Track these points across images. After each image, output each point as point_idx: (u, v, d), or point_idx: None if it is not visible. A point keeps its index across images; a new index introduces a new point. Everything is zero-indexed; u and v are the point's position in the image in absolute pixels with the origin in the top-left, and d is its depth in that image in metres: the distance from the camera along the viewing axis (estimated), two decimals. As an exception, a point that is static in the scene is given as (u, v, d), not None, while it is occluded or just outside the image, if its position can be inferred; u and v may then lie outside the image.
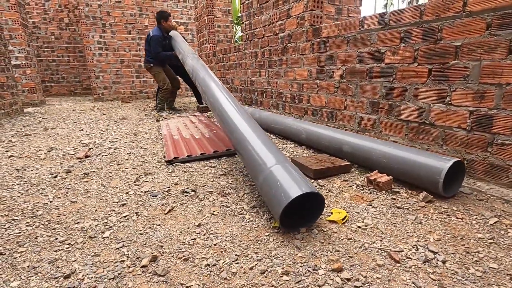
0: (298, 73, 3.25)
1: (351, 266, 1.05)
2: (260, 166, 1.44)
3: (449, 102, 1.80)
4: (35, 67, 6.49)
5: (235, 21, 10.88)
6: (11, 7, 5.86)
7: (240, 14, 10.91)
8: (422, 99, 1.96)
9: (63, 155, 2.55)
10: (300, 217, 1.34)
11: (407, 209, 1.46)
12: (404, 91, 2.08)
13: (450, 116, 1.81)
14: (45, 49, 8.64)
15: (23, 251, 1.18)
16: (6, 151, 2.70)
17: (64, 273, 1.04)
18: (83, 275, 1.03)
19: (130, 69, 7.64)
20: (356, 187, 1.76)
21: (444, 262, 1.06)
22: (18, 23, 5.95)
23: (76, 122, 4.29)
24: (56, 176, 2.03)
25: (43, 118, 4.71)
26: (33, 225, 1.39)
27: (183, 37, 4.53)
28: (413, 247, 1.15)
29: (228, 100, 2.16)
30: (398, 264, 1.06)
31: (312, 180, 1.85)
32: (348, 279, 0.98)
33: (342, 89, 2.64)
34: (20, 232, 1.32)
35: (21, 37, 6.03)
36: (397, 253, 1.11)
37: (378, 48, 2.24)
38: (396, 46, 2.09)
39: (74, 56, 9.01)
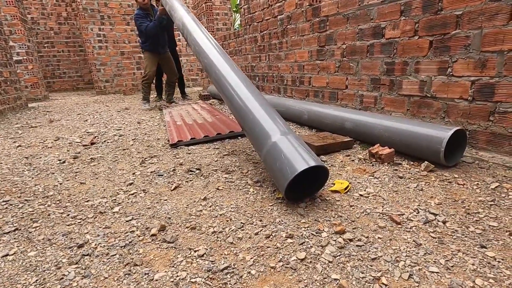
0: (298, 55, 3.23)
1: (353, 228, 1.08)
2: (264, 137, 1.43)
3: (451, 73, 1.79)
4: (36, 62, 6.52)
5: (234, 9, 10.74)
6: (9, 2, 5.85)
7: (238, 2, 10.75)
8: (424, 72, 1.95)
9: (69, 143, 2.60)
10: (303, 187, 1.37)
11: (409, 178, 1.48)
12: (405, 65, 2.07)
13: (452, 88, 1.80)
14: (45, 45, 8.64)
15: (37, 226, 1.23)
16: (14, 142, 2.75)
17: (78, 243, 1.08)
18: (95, 244, 1.08)
19: (131, 61, 7.63)
20: (359, 161, 1.78)
21: (444, 222, 1.08)
22: (17, 18, 5.94)
23: (80, 114, 4.34)
24: (64, 162, 2.08)
25: (47, 111, 4.76)
26: (45, 204, 1.44)
27: None
28: (414, 211, 1.17)
29: (226, 62, 1.94)
30: (399, 226, 1.08)
31: (315, 157, 1.87)
32: (351, 240, 1.01)
33: (343, 68, 2.63)
34: (33, 211, 1.37)
35: (21, 32, 6.03)
36: (399, 216, 1.14)
37: (378, 23, 2.21)
38: (397, 20, 2.07)
39: (74, 51, 9.01)
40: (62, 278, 0.91)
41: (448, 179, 1.43)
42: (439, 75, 1.86)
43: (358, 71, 2.48)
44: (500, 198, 1.23)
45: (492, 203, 1.20)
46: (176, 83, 5.16)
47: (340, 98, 2.74)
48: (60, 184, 1.68)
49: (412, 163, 1.67)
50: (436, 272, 0.85)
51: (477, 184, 1.37)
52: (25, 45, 6.13)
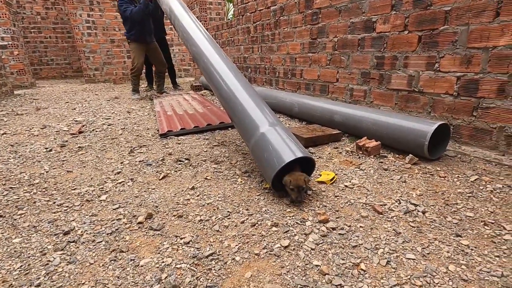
0: (291, 47, 3.22)
1: (336, 218, 1.12)
2: (252, 128, 1.44)
3: (438, 69, 1.82)
4: (22, 48, 6.31)
5: (228, -1, 10.54)
6: (-7, -16, 5.61)
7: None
8: (412, 67, 1.98)
9: (56, 131, 2.56)
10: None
11: (393, 170, 1.52)
12: (394, 60, 2.09)
13: (438, 83, 1.84)
14: (32, 30, 8.35)
15: (22, 214, 1.22)
16: (-1, 129, 2.69)
17: (64, 230, 1.09)
18: (81, 231, 1.08)
19: (121, 49, 7.46)
20: (346, 153, 1.81)
21: (424, 212, 1.12)
22: (1, 1, 5.71)
23: (68, 102, 4.25)
24: (50, 150, 2.05)
25: (34, 99, 4.65)
26: (31, 192, 1.42)
27: None
28: (396, 201, 1.21)
29: (215, 50, 1.90)
30: (381, 215, 1.12)
31: (303, 148, 1.90)
32: (333, 228, 1.04)
33: (335, 61, 2.64)
34: (18, 198, 1.36)
35: (6, 16, 5.81)
36: (381, 206, 1.17)
37: (369, 17, 2.22)
38: (388, 14, 2.08)
39: (62, 37, 8.73)
40: (47, 264, 0.92)
41: (431, 172, 1.48)
42: (426, 70, 1.89)
43: (349, 65, 2.50)
44: (478, 190, 1.27)
45: (470, 194, 1.24)
46: (167, 73, 5.06)
47: (331, 91, 2.76)
48: (47, 172, 1.66)
49: (397, 156, 1.71)
50: (413, 259, 0.88)
51: (458, 176, 1.42)
52: (10, 29, 5.92)
